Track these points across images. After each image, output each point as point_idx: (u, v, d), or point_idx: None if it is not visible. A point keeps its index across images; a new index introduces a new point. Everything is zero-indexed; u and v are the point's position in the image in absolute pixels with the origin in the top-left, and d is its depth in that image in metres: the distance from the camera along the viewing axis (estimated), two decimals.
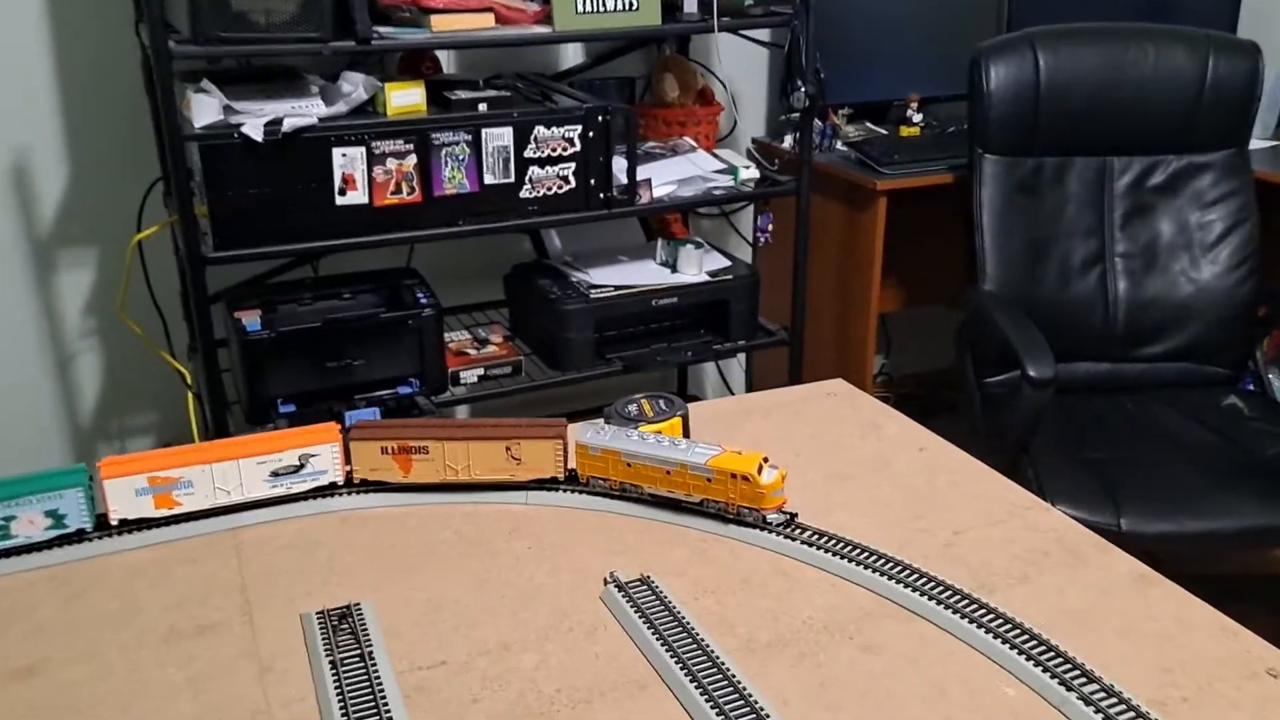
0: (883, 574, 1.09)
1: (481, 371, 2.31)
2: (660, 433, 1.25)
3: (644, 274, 2.39)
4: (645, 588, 1.07)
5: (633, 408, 1.32)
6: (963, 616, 1.02)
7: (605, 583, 1.08)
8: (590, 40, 2.65)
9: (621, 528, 1.20)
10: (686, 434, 1.33)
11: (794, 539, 1.15)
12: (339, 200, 2.04)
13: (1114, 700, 0.91)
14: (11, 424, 2.54)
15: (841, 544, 1.14)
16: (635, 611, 1.03)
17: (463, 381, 2.29)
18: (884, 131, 2.87)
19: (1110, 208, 2.43)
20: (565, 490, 1.24)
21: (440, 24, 2.01)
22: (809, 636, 1.02)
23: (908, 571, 1.09)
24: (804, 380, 1.55)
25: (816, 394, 1.54)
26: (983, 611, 1.02)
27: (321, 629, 0.99)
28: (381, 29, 1.99)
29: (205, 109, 1.96)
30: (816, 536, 1.15)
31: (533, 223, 2.22)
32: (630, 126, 2.22)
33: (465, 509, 1.23)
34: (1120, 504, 1.94)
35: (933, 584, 1.07)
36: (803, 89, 2.32)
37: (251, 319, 2.10)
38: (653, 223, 2.65)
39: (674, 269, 2.40)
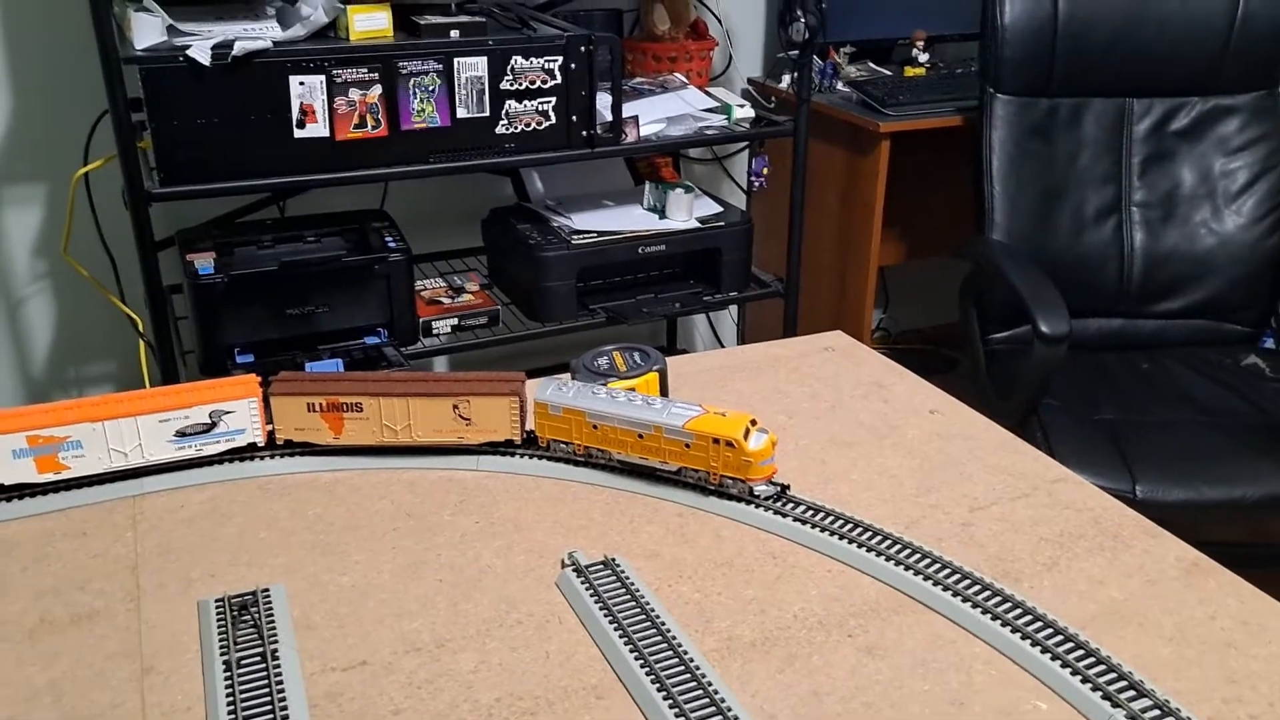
0: (888, 559, 0.95)
1: (455, 321, 2.21)
2: (633, 390, 1.12)
3: (630, 219, 2.28)
4: (609, 572, 0.91)
5: (603, 361, 1.18)
6: (983, 611, 0.88)
7: (563, 566, 0.93)
8: None
9: (585, 500, 1.06)
10: (664, 392, 1.21)
11: (785, 515, 1.02)
12: (297, 133, 1.92)
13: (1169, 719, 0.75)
14: None
15: (841, 522, 1.01)
16: (595, 601, 0.87)
17: (435, 332, 2.19)
18: (888, 72, 2.76)
19: (1129, 153, 2.33)
20: (522, 455, 1.11)
21: None
22: (801, 634, 0.87)
23: (918, 556, 0.95)
24: (799, 335, 1.43)
25: (813, 347, 1.41)
26: (1006, 605, 0.88)
27: (220, 620, 0.83)
28: None
29: (147, 29, 1.86)
30: (812, 513, 1.02)
31: (509, 161, 2.10)
32: (615, 58, 2.11)
33: (406, 476, 1.08)
34: (1135, 470, 1.84)
35: (947, 571, 0.93)
36: (802, 19, 2.18)
37: (205, 262, 2.00)
38: (641, 167, 2.51)
39: (662, 214, 2.30)
